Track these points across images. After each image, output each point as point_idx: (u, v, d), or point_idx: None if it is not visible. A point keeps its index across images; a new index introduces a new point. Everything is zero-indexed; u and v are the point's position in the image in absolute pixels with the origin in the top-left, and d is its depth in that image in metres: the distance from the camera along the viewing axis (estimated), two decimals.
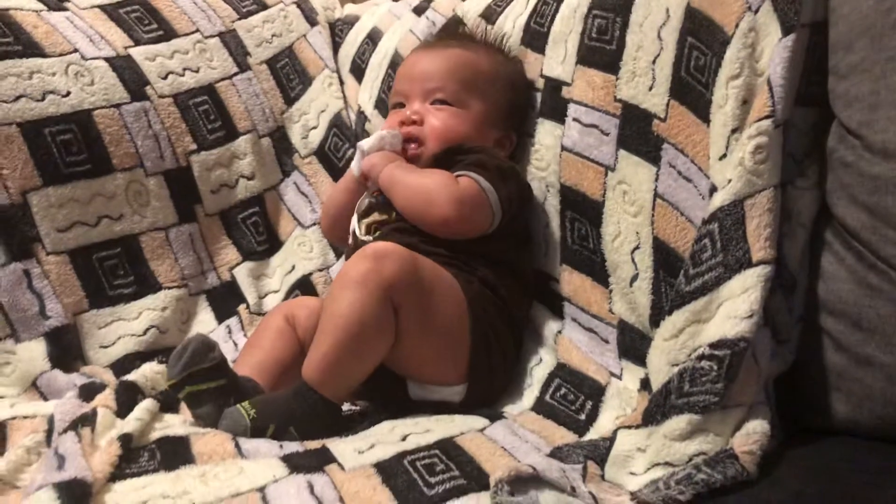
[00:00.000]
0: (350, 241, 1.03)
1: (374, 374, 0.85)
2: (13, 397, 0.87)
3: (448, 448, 0.72)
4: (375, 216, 1.03)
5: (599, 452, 0.73)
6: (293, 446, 0.74)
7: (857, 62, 0.81)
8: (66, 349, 0.93)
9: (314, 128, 1.32)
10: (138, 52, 1.15)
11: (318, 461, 0.69)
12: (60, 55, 1.05)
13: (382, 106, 1.29)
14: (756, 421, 0.73)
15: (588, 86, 0.99)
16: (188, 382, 0.80)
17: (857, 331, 0.78)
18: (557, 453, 0.72)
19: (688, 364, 0.74)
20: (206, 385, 0.80)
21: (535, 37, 1.10)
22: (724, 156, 0.84)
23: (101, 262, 1.01)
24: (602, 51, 0.99)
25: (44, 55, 1.04)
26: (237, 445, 0.73)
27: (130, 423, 0.72)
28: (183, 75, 1.18)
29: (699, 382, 0.72)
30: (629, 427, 0.75)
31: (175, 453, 0.70)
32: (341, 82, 1.38)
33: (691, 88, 0.90)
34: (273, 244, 1.19)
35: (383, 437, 0.75)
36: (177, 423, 0.77)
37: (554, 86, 1.04)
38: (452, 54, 1.08)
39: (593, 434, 0.79)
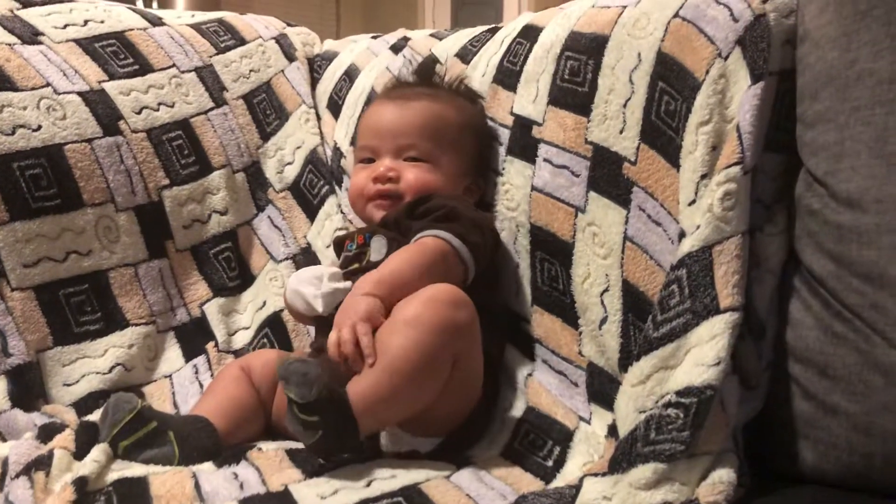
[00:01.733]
0: None
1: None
2: None
3: (412, 495, 0.71)
4: (353, 266, 1.03)
5: (565, 501, 0.72)
6: (254, 486, 0.73)
7: (823, 111, 0.82)
8: (28, 387, 0.91)
9: (290, 163, 1.32)
10: (112, 87, 1.14)
11: None
12: (32, 89, 1.05)
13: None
14: (723, 469, 0.73)
15: (559, 127, 1.00)
16: (119, 438, 0.79)
17: (823, 378, 0.78)
18: (522, 502, 0.71)
19: (654, 411, 0.73)
20: (136, 435, 0.79)
21: (508, 75, 1.11)
22: (694, 201, 0.84)
23: (67, 299, 1.00)
24: (574, 92, 1.00)
25: (15, 89, 1.03)
26: (196, 485, 0.71)
27: (87, 466, 0.71)
28: (157, 110, 1.18)
29: (665, 430, 0.72)
30: (595, 475, 0.74)
31: (131, 496, 0.69)
32: (318, 118, 1.39)
33: (661, 133, 0.90)
34: (245, 279, 1.18)
35: (348, 483, 0.74)
36: (136, 464, 0.76)
37: (524, 124, 1.05)
38: (421, 108, 1.09)
39: (560, 481, 0.78)
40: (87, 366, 0.98)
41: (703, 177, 0.84)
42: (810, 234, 0.82)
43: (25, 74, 1.05)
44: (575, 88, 1.00)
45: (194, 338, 1.09)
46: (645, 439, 0.72)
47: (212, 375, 1.05)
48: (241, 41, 1.39)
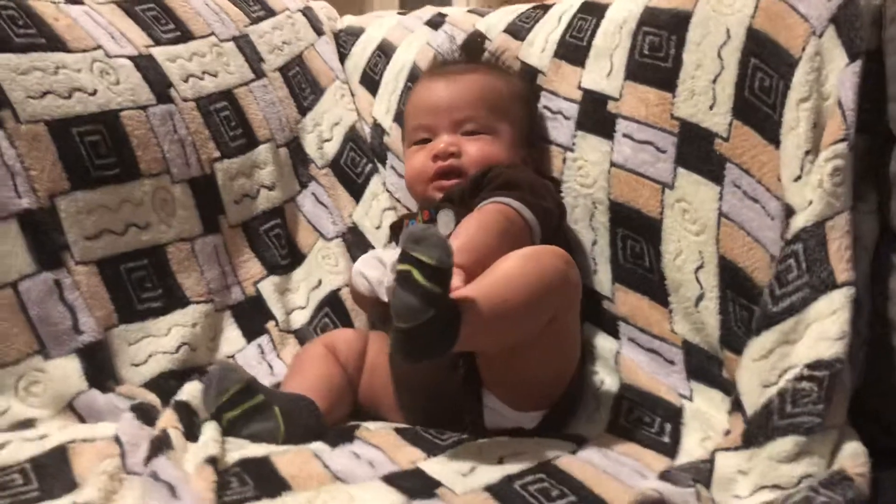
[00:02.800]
0: None
1: (448, 398, 0.82)
2: (47, 420, 0.79)
3: (552, 472, 0.69)
4: None
5: (703, 475, 0.71)
6: (385, 465, 0.70)
7: None
8: (101, 367, 0.86)
9: (328, 140, 1.28)
10: (159, 53, 1.08)
11: (425, 484, 0.65)
12: (84, 51, 0.98)
13: (402, 119, 1.25)
14: (854, 442, 0.73)
15: (640, 102, 0.99)
16: (224, 409, 0.76)
17: None
18: (667, 477, 0.70)
19: (787, 385, 0.73)
20: (242, 407, 0.76)
21: (572, 49, 1.09)
22: (799, 177, 0.84)
23: (128, 274, 0.94)
24: (656, 67, 0.99)
25: (67, 50, 0.96)
26: (325, 466, 0.68)
27: (210, 445, 0.67)
28: (203, 79, 1.12)
29: (801, 403, 0.72)
30: (727, 449, 0.73)
31: (264, 477, 0.65)
32: (352, 94, 1.34)
33: (757, 109, 0.90)
34: (295, 258, 1.13)
35: (478, 461, 0.72)
36: (251, 444, 0.72)
37: (597, 99, 1.04)
38: (472, 80, 1.07)
39: (684, 457, 0.78)
40: (153, 345, 0.92)
41: (807, 153, 0.84)
42: None
43: (76, 35, 0.98)
44: (657, 64, 0.99)
45: (252, 317, 1.04)
46: (781, 412, 0.72)
47: (278, 356, 1.01)
48: (271, 12, 1.34)
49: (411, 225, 0.70)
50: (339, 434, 0.78)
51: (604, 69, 1.04)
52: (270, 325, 1.04)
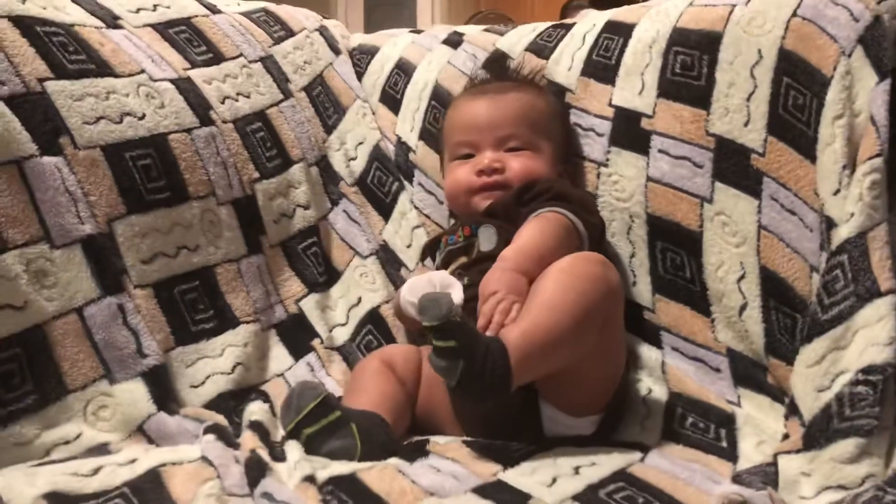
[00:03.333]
0: None
1: (506, 409, 0.84)
2: (118, 443, 0.80)
3: (630, 480, 0.72)
4: (460, 260, 1.03)
5: (770, 479, 0.74)
6: (469, 477, 0.72)
7: None
8: (165, 390, 0.86)
9: (353, 159, 1.30)
10: (196, 75, 1.09)
11: (516, 497, 0.67)
12: (130, 75, 0.99)
13: (429, 137, 1.28)
14: None
15: (675, 119, 1.03)
16: (303, 425, 0.77)
17: None
18: (740, 480, 0.73)
19: (844, 389, 0.77)
20: (320, 423, 0.77)
21: (601, 68, 1.13)
22: (838, 191, 0.88)
23: (182, 296, 0.95)
24: (689, 86, 1.02)
25: (115, 75, 0.97)
26: (413, 482, 0.70)
27: (304, 465, 0.68)
28: (237, 100, 1.13)
29: (858, 407, 0.75)
30: (789, 452, 0.77)
31: (361, 494, 0.67)
32: (372, 112, 1.37)
33: (791, 126, 0.94)
34: (331, 275, 1.15)
35: (554, 470, 0.74)
36: (335, 462, 0.73)
37: (630, 116, 1.07)
38: (514, 99, 1.11)
39: (744, 461, 0.81)
40: (210, 366, 0.93)
41: (844, 167, 0.89)
42: None
43: (121, 59, 0.99)
44: (689, 82, 1.03)
45: (296, 335, 1.05)
46: (840, 416, 0.76)
47: (327, 373, 1.02)
48: (290, 32, 1.36)
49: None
50: (413, 449, 0.80)
51: (635, 87, 1.08)
52: (315, 342, 1.05)
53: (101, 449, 0.79)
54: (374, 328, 1.09)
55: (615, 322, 0.86)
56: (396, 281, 1.18)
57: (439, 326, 0.73)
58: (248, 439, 0.74)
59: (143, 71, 1.01)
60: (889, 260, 0.83)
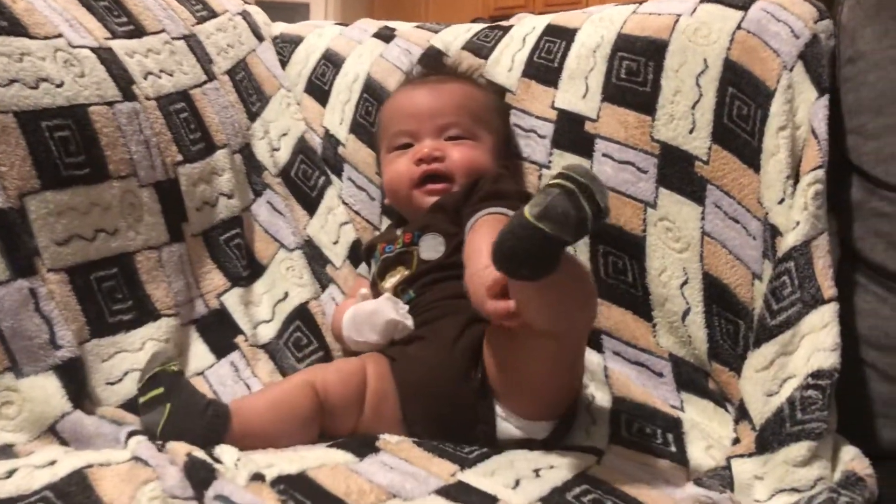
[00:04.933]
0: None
1: (460, 410, 0.81)
2: (25, 444, 0.71)
3: (593, 482, 0.70)
4: (399, 273, 0.98)
5: (726, 482, 0.74)
6: (428, 478, 0.67)
7: (892, 124, 0.91)
8: (81, 386, 0.78)
9: (276, 150, 1.23)
10: (118, 46, 1.00)
11: (483, 499, 0.64)
12: (46, 38, 0.89)
13: (360, 130, 1.23)
14: (850, 446, 0.78)
15: (619, 124, 1.02)
16: (139, 394, 0.78)
17: None
18: (701, 483, 0.72)
19: (795, 393, 0.77)
20: (146, 396, 0.77)
21: (543, 70, 1.11)
22: (783, 200, 0.90)
23: (99, 283, 0.86)
24: (634, 91, 1.03)
25: (29, 35, 0.87)
26: (370, 480, 0.65)
27: (246, 464, 0.62)
28: (160, 77, 1.05)
29: (809, 411, 0.76)
30: (741, 456, 0.77)
31: (318, 494, 0.62)
32: (296, 103, 1.31)
33: (735, 135, 0.96)
34: (255, 269, 1.08)
35: (515, 472, 0.71)
36: (281, 460, 0.68)
37: (574, 119, 1.06)
38: (455, 89, 1.08)
39: (696, 466, 0.80)
40: (128, 361, 0.85)
41: (788, 177, 0.91)
42: (879, 234, 0.91)
43: (36, 20, 0.90)
44: (635, 88, 1.03)
45: (218, 331, 0.98)
46: (792, 419, 0.76)
47: (253, 373, 0.95)
48: (213, 13, 1.28)
49: (579, 165, 0.67)
50: (362, 444, 0.75)
51: (579, 90, 1.07)
52: (239, 339, 0.98)
53: (6, 451, 0.70)
54: (302, 325, 1.03)
55: (588, 329, 0.84)
56: (322, 279, 1.12)
57: (602, 211, 0.65)
58: (177, 446, 0.67)
59: (60, 35, 0.92)
60: (831, 268, 0.85)
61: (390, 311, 0.90)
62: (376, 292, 1.00)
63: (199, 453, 0.65)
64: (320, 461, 0.68)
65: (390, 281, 0.98)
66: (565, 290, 0.71)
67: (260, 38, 1.35)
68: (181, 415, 0.74)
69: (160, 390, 0.75)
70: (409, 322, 0.89)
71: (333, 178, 1.23)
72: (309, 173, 1.22)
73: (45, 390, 0.74)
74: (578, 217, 0.63)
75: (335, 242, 1.18)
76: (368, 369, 0.86)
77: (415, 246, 0.98)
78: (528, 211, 0.64)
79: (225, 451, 0.68)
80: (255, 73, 1.28)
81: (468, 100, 1.07)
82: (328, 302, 1.10)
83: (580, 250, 1.02)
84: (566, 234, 0.64)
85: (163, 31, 1.12)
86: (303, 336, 1.02)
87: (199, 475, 0.59)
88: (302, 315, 1.04)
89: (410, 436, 0.83)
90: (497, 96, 1.12)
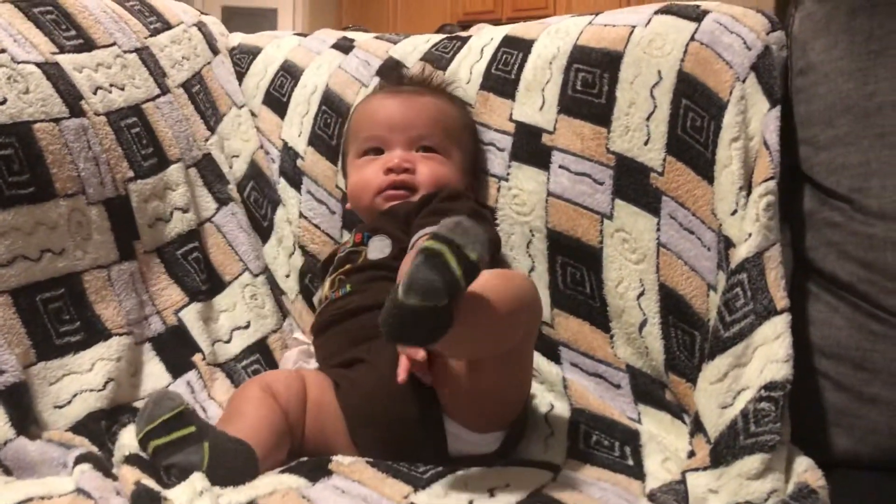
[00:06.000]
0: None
1: (408, 428, 0.80)
2: None
3: (549, 502, 0.69)
4: (345, 267, 0.98)
5: (681, 497, 0.74)
6: (379, 501, 0.66)
7: (842, 136, 0.92)
8: (25, 411, 0.76)
9: (230, 168, 1.22)
10: (65, 61, 0.98)
11: None
12: None
13: (319, 142, 1.22)
14: (803, 457, 0.79)
15: (576, 136, 1.03)
16: (152, 435, 0.72)
17: (859, 371, 0.87)
18: (654, 499, 0.72)
19: (749, 406, 0.78)
20: (171, 436, 0.72)
21: (501, 82, 1.11)
22: (735, 211, 0.90)
23: (45, 305, 0.84)
24: (590, 103, 1.03)
25: None
26: None
27: (206, 497, 0.61)
28: (111, 92, 1.03)
29: (762, 423, 0.77)
30: (696, 469, 0.77)
31: None
32: (253, 114, 1.29)
33: (689, 147, 0.96)
34: (215, 284, 1.06)
35: (470, 493, 0.70)
36: (235, 491, 0.66)
37: (531, 132, 1.06)
38: (429, 103, 1.08)
39: (651, 480, 0.80)
40: (77, 383, 0.83)
41: (741, 188, 0.91)
42: (830, 244, 0.92)
43: None
44: (591, 100, 1.03)
45: (175, 349, 0.96)
46: (745, 432, 0.77)
47: (209, 394, 0.94)
48: (167, 24, 1.26)
49: (450, 219, 0.68)
50: (314, 467, 0.74)
51: (536, 103, 1.07)
52: (197, 358, 0.96)
53: None
54: (261, 358, 1.02)
55: (530, 340, 0.83)
56: (282, 307, 1.13)
57: (474, 263, 0.66)
58: (128, 473, 0.65)
59: (4, 50, 0.90)
60: (783, 279, 0.86)
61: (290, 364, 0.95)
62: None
63: (149, 482, 0.63)
64: (271, 487, 0.67)
65: (335, 275, 0.98)
66: (479, 327, 0.71)
67: (215, 51, 1.33)
68: (220, 454, 0.72)
69: (191, 429, 0.72)
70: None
71: (286, 197, 1.22)
72: (260, 201, 1.21)
73: None
74: (444, 280, 0.64)
75: (287, 276, 1.17)
76: (307, 380, 0.86)
77: (364, 246, 0.98)
78: (399, 289, 0.65)
79: (196, 481, 0.66)
80: (211, 88, 1.27)
81: (442, 115, 1.07)
82: (289, 334, 1.10)
83: (538, 260, 1.02)
84: (436, 300, 0.64)
85: (114, 44, 1.10)
86: (261, 369, 1.01)
87: None
88: (262, 349, 1.03)
89: (361, 454, 0.82)
90: (469, 114, 1.11)
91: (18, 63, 0.91)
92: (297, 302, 1.16)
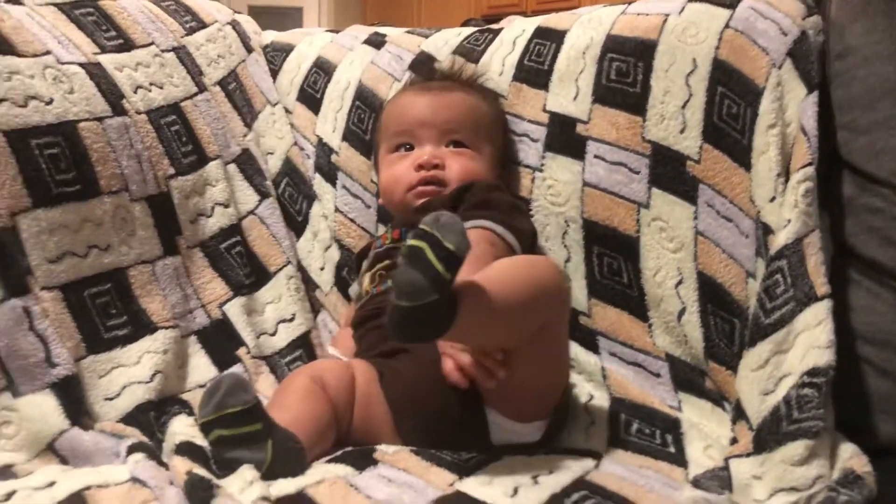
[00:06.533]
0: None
1: (450, 418, 0.81)
2: (24, 464, 0.71)
3: (592, 489, 0.70)
4: (385, 263, 0.99)
5: (725, 483, 0.74)
6: (427, 489, 0.67)
7: (882, 119, 0.91)
8: (77, 403, 0.78)
9: (265, 165, 1.23)
10: (107, 61, 1.00)
11: None
12: (34, 55, 0.89)
13: (353, 138, 1.24)
14: (848, 443, 0.78)
15: (611, 125, 1.03)
16: (218, 425, 0.71)
17: None
18: (699, 485, 0.72)
19: (792, 392, 0.77)
20: (238, 430, 0.71)
21: (534, 73, 1.12)
22: (774, 198, 0.90)
23: (93, 300, 0.86)
24: (625, 92, 1.03)
25: (17, 54, 0.87)
26: (368, 497, 0.65)
27: (259, 486, 0.62)
28: (150, 91, 1.05)
29: (805, 409, 0.76)
30: (739, 456, 0.77)
31: None
32: (287, 111, 1.31)
33: (726, 134, 0.96)
34: (259, 276, 1.08)
35: (513, 480, 0.71)
36: (282, 480, 0.68)
37: (565, 122, 1.06)
38: (460, 98, 1.08)
39: (695, 466, 0.80)
40: (125, 375, 0.85)
41: (778, 175, 0.91)
42: (871, 229, 0.91)
43: (24, 38, 0.90)
44: (625, 89, 1.03)
45: (219, 342, 0.98)
46: (788, 418, 0.76)
47: (255, 389, 0.95)
48: (202, 23, 1.28)
49: (429, 215, 0.69)
50: (360, 456, 0.75)
51: (570, 93, 1.07)
52: (241, 351, 0.98)
53: (4, 472, 0.70)
54: (304, 354, 1.03)
55: (562, 327, 0.83)
56: (313, 303, 1.14)
57: (453, 253, 0.66)
58: (179, 463, 0.67)
59: (49, 52, 0.92)
60: (823, 266, 0.85)
61: None
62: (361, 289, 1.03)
63: (201, 471, 0.64)
64: (319, 476, 0.68)
65: (375, 269, 1.00)
66: (489, 313, 0.72)
67: (249, 49, 1.35)
68: (282, 454, 0.71)
69: (258, 427, 0.71)
70: None
71: (322, 192, 1.23)
72: (295, 196, 1.22)
73: (43, 409, 0.74)
74: (427, 277, 0.65)
75: (321, 268, 1.18)
76: (356, 371, 0.87)
77: (403, 242, 0.99)
78: (392, 293, 0.67)
79: (249, 474, 0.67)
80: (246, 86, 1.28)
81: (472, 110, 1.07)
82: (322, 329, 1.11)
83: (573, 251, 1.02)
84: (426, 297, 0.65)
85: (152, 43, 1.12)
86: (303, 364, 1.02)
87: (199, 495, 0.59)
88: (305, 344, 1.05)
89: (406, 444, 0.83)
90: (500, 107, 1.12)
91: (63, 64, 0.93)
92: (332, 294, 1.17)
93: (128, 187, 0.94)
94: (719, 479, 0.74)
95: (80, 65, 0.95)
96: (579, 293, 1.02)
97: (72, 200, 0.86)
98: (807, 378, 0.78)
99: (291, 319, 1.05)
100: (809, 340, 0.81)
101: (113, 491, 0.62)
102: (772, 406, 0.78)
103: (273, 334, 1.03)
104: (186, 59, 1.17)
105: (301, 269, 1.17)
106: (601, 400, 0.92)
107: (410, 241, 0.67)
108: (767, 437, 0.76)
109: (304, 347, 1.04)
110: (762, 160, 0.92)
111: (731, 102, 0.96)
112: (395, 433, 0.85)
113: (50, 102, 0.87)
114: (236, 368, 0.95)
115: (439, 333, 0.69)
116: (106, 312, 0.87)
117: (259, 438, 0.72)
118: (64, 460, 0.73)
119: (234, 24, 1.36)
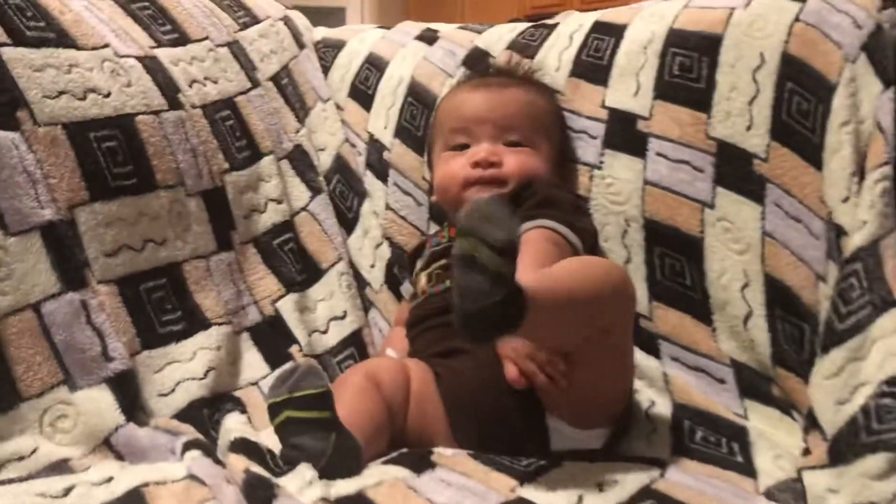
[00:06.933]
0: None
1: (509, 422, 0.79)
2: (81, 458, 0.70)
3: (660, 498, 0.67)
4: (441, 262, 0.97)
5: (798, 495, 0.71)
6: (488, 494, 0.65)
7: None
8: (133, 398, 0.77)
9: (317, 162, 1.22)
10: (163, 55, 1.00)
11: None
12: (93, 49, 0.89)
13: (405, 134, 1.22)
14: None
15: (673, 122, 0.99)
16: (288, 406, 0.69)
17: None
18: (771, 497, 0.69)
19: (870, 402, 0.73)
20: (308, 413, 0.69)
21: (592, 69, 1.09)
22: (847, 198, 0.86)
23: (148, 294, 0.86)
24: (688, 88, 0.99)
25: (77, 47, 0.87)
26: (429, 500, 0.63)
27: (318, 485, 0.60)
28: (205, 85, 1.05)
29: (886, 420, 0.72)
30: (814, 468, 0.73)
31: None
32: (339, 108, 1.30)
33: (795, 132, 0.92)
34: (311, 273, 1.06)
35: (578, 488, 0.68)
36: (339, 482, 0.66)
37: (626, 118, 1.03)
38: (517, 94, 1.06)
39: (765, 477, 0.77)
40: (180, 371, 0.84)
41: (853, 174, 0.87)
42: None
43: (83, 31, 0.90)
44: (689, 84, 1.00)
45: (272, 339, 0.97)
46: (868, 430, 0.72)
47: None
48: (255, 19, 1.28)
49: (464, 209, 0.66)
50: (418, 458, 0.73)
51: (630, 88, 1.04)
52: (294, 349, 0.97)
53: (61, 466, 0.69)
54: (356, 352, 1.02)
55: (626, 331, 0.81)
56: (364, 300, 1.12)
57: (504, 248, 0.64)
58: (236, 460, 0.65)
59: (107, 45, 0.92)
60: None
61: None
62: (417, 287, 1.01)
63: (258, 469, 0.63)
64: (377, 478, 0.66)
65: (431, 268, 0.98)
66: (556, 309, 0.70)
67: (301, 45, 1.34)
68: (342, 451, 0.69)
69: (327, 414, 0.69)
70: None
71: (373, 190, 1.21)
72: (345, 193, 1.21)
73: (99, 403, 0.74)
74: (486, 277, 0.63)
75: (372, 266, 1.17)
76: (411, 371, 0.85)
77: None
78: (455, 300, 0.64)
79: (304, 471, 0.66)
80: (298, 82, 1.27)
81: (529, 106, 1.05)
82: (373, 327, 1.10)
83: (634, 251, 0.99)
84: (492, 297, 0.63)
85: (206, 38, 1.11)
86: (355, 363, 1.01)
87: (258, 494, 0.58)
88: (356, 342, 1.03)
89: (461, 447, 0.81)
90: (557, 103, 1.09)
91: (121, 57, 0.92)
92: (383, 292, 1.15)
93: (183, 182, 0.93)
94: (793, 492, 0.71)
95: (137, 58, 0.95)
96: (640, 295, 0.98)
97: (129, 194, 0.86)
98: (886, 388, 0.74)
99: (343, 317, 1.03)
100: (888, 348, 0.77)
101: (170, 488, 0.61)
102: (848, 416, 0.74)
103: (325, 332, 1.02)
104: (240, 54, 1.17)
105: (352, 266, 1.16)
106: (663, 406, 0.89)
107: (457, 245, 0.65)
108: (844, 448, 0.72)
109: (356, 345, 1.03)
110: (835, 159, 0.88)
111: (801, 99, 0.93)
112: (449, 435, 0.83)
113: (108, 95, 0.87)
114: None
115: (511, 330, 0.66)
116: (161, 307, 0.86)
117: (326, 427, 0.70)
118: (119, 456, 0.72)
119: (287, 21, 1.35)
